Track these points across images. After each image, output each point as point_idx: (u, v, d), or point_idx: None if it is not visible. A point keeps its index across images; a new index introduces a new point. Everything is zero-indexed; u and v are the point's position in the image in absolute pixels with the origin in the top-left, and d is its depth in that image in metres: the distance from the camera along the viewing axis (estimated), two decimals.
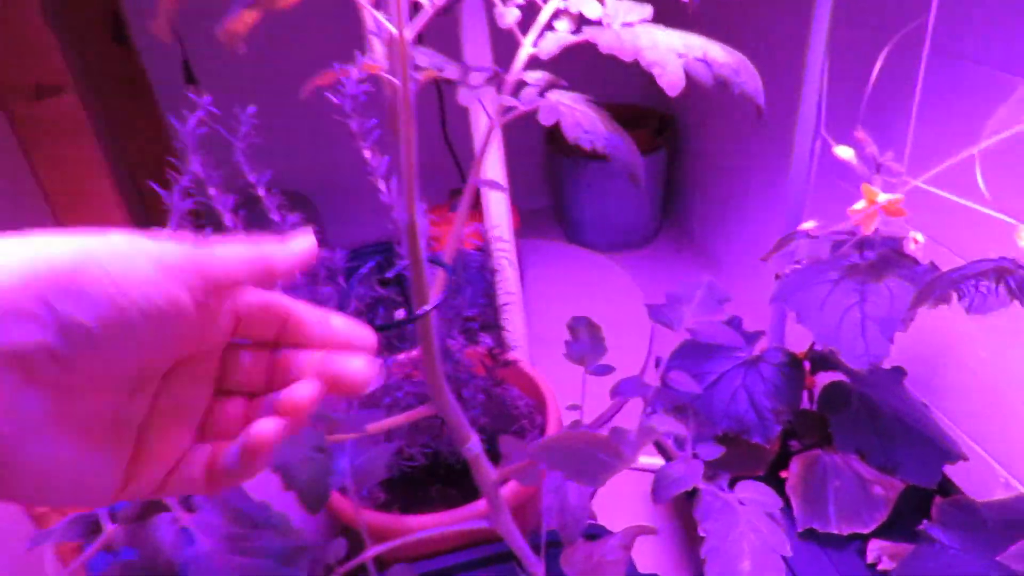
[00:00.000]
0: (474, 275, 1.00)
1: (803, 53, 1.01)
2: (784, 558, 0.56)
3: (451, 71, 0.51)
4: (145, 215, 1.47)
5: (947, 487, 0.96)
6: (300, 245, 0.31)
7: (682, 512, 1.33)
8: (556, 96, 0.53)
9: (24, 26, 0.94)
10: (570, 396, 0.78)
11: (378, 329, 0.48)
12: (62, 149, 1.03)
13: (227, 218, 0.84)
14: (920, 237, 0.78)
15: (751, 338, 1.01)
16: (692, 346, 1.10)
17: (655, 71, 0.49)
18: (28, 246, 0.23)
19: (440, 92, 1.87)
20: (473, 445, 0.67)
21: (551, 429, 1.10)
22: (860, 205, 0.75)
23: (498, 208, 1.30)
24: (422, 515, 0.98)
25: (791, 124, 1.11)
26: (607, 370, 0.66)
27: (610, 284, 1.94)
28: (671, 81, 0.48)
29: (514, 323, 1.49)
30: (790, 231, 1.10)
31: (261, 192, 0.89)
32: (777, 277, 0.92)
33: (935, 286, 0.67)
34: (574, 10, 0.54)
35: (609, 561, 0.65)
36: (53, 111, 0.99)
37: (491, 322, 1.06)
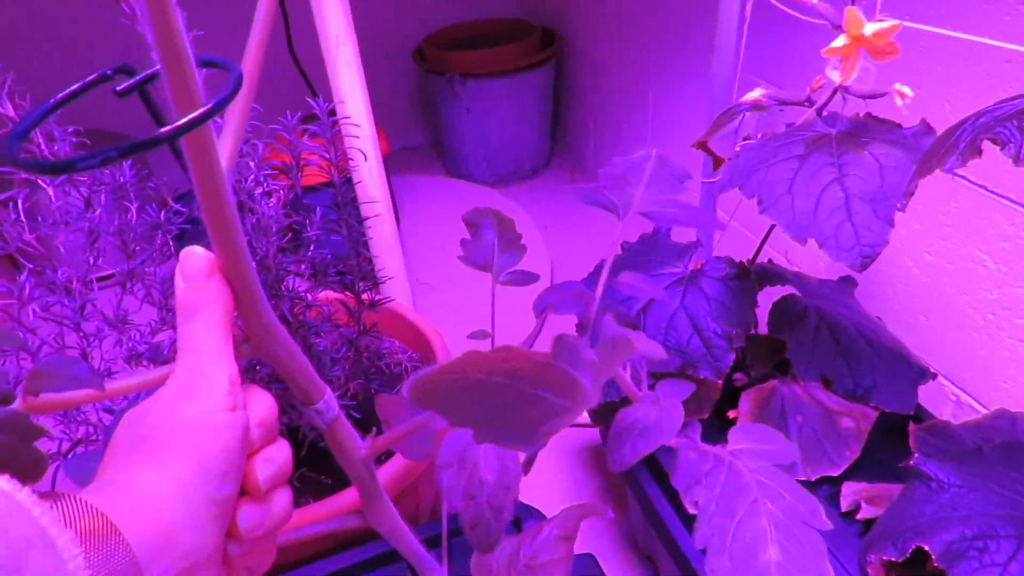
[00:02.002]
0: (329, 227, 0.74)
1: None
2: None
3: None
4: None
5: (919, 413, 0.81)
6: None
7: (598, 466, 1.14)
8: None
9: None
10: (464, 350, 0.54)
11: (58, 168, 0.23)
12: None
13: None
14: (907, 90, 0.59)
15: (683, 251, 0.81)
16: (619, 263, 0.89)
17: None
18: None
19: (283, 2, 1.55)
20: (325, 405, 0.42)
21: None
22: (840, 41, 0.55)
23: (356, 111, 1.04)
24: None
25: (699, 14, 0.91)
26: (528, 279, 0.44)
27: None
28: None
29: (390, 264, 1.23)
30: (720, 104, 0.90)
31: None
32: (716, 162, 0.72)
33: (955, 138, 0.48)
34: None
35: (544, 563, 0.43)
36: None
37: (351, 265, 0.80)
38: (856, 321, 0.80)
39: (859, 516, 0.72)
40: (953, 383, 0.99)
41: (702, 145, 0.72)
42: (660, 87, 1.50)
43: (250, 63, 0.33)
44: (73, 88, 0.29)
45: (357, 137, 0.99)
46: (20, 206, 0.61)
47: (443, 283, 1.49)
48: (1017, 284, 0.85)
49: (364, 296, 0.76)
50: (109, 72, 0.30)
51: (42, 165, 0.23)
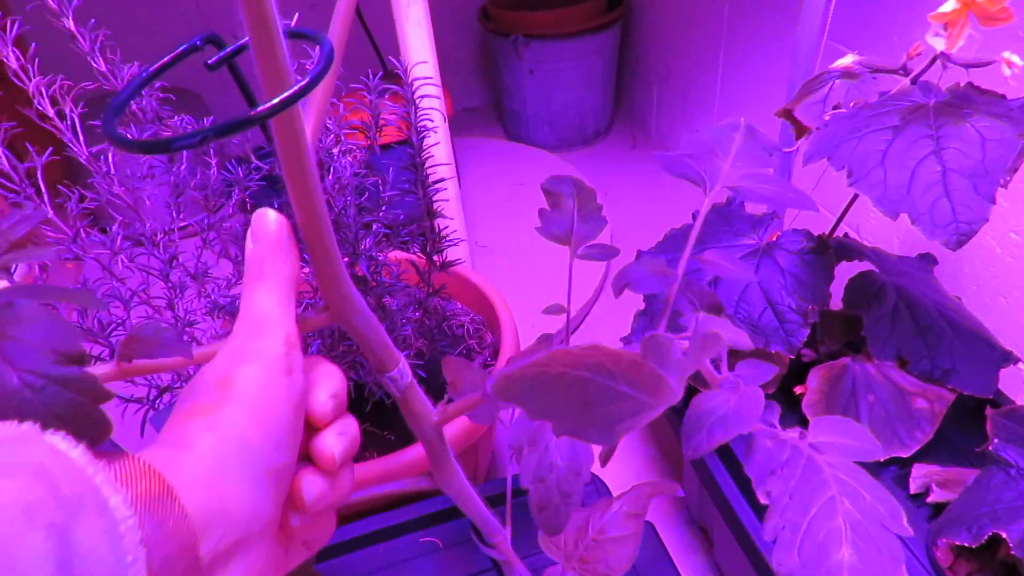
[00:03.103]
0: (398, 171, 0.74)
1: None
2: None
3: None
4: None
5: (997, 397, 0.78)
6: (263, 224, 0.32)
7: (652, 435, 1.13)
8: None
9: None
10: (523, 316, 0.54)
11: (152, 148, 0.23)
12: None
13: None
14: (1017, 59, 0.56)
15: (758, 222, 0.79)
16: (678, 237, 0.87)
17: None
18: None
19: None
20: (400, 373, 0.43)
21: (506, 350, 0.88)
22: (949, 6, 0.52)
23: (425, 71, 1.03)
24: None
25: None
26: (609, 253, 0.43)
27: None
28: None
29: (454, 227, 1.24)
30: (802, 73, 0.87)
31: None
32: (801, 131, 0.70)
33: None
34: None
35: (613, 539, 0.43)
36: None
37: (424, 227, 0.81)
38: (936, 300, 0.77)
39: (929, 499, 0.71)
40: None
41: (787, 113, 0.70)
42: (731, 52, 1.45)
43: (337, 32, 0.33)
44: (165, 60, 0.29)
45: (434, 97, 0.99)
46: (111, 159, 0.63)
47: (501, 247, 1.49)
48: None
49: (435, 258, 0.76)
50: (199, 43, 0.30)
51: (141, 144, 0.24)
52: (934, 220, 0.54)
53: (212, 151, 0.68)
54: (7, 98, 0.60)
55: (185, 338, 0.67)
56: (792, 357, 0.71)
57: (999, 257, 0.95)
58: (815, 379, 0.78)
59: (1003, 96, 0.59)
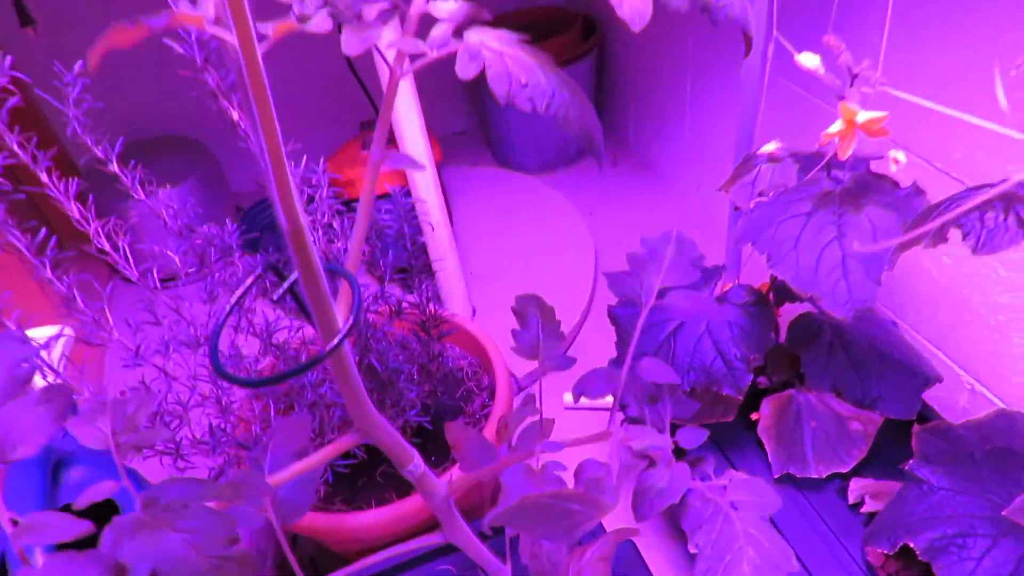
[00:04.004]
0: (392, 236, 0.86)
1: None
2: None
3: (320, 20, 0.35)
4: None
5: (923, 413, 0.91)
6: None
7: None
8: (477, 36, 0.39)
9: None
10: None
11: (253, 383, 0.35)
12: None
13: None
14: (902, 156, 0.68)
15: (710, 275, 0.91)
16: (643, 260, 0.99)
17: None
18: None
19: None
20: (415, 467, 0.56)
21: (500, 390, 1.00)
22: (836, 127, 0.64)
23: (416, 146, 1.15)
24: (366, 512, 0.88)
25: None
26: (567, 364, 0.55)
27: (546, 208, 1.81)
28: (635, 9, 0.34)
29: (449, 268, 1.36)
30: (743, 143, 0.99)
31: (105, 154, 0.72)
32: (736, 209, 0.82)
33: (928, 222, 0.58)
34: None
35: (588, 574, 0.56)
36: None
37: (420, 278, 0.93)
38: (869, 334, 0.90)
39: (863, 510, 0.84)
40: (967, 373, 1.08)
41: (726, 189, 0.82)
42: (697, 75, 1.56)
43: (358, 238, 0.46)
44: (239, 292, 0.41)
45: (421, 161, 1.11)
46: (155, 274, 0.75)
47: (495, 274, 1.61)
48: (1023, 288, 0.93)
49: (430, 323, 0.89)
50: (261, 271, 0.42)
51: (248, 381, 0.36)
52: (835, 299, 0.66)
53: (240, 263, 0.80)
54: (68, 235, 0.72)
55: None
56: (741, 398, 0.83)
57: (935, 278, 1.07)
58: (767, 408, 0.90)
59: (896, 183, 0.71)
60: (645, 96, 1.82)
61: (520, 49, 0.39)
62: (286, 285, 0.42)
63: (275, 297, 0.41)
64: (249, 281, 0.42)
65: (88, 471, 0.82)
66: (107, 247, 0.73)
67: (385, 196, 1.34)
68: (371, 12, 0.40)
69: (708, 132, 1.61)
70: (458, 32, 0.42)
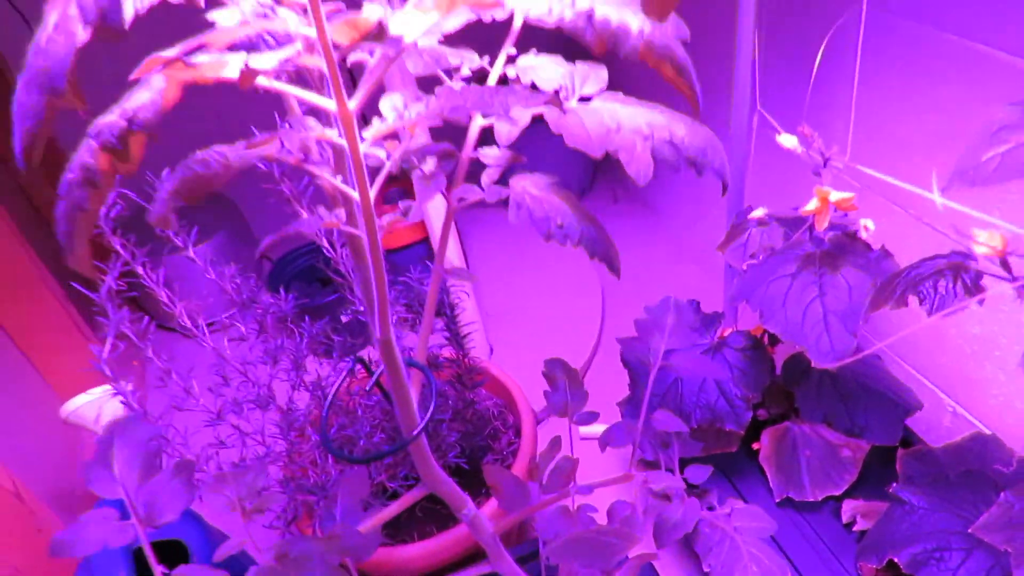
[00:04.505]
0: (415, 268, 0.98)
1: (734, 27, 0.99)
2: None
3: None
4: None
5: (908, 437, 1.01)
6: None
7: None
8: (521, 184, 0.50)
9: None
10: (536, 376, 0.74)
11: (362, 461, 0.46)
12: None
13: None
14: (871, 224, 0.79)
15: (710, 321, 1.02)
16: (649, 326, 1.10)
17: (621, 157, 0.46)
18: None
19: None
20: (468, 511, 0.67)
21: (526, 429, 1.11)
22: (812, 205, 0.76)
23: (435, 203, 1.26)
24: (413, 544, 0.98)
25: (725, 87, 1.10)
26: (592, 418, 0.66)
27: (553, 245, 1.92)
28: (640, 169, 0.45)
29: (467, 312, 1.47)
30: (734, 202, 1.10)
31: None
32: (730, 267, 0.93)
33: (892, 288, 0.69)
34: (525, 81, 0.51)
35: None
36: None
37: (455, 331, 1.04)
38: (855, 369, 1.01)
39: (856, 528, 0.94)
40: (949, 397, 1.18)
41: (721, 250, 0.93)
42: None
43: (429, 315, 0.57)
44: (338, 382, 0.52)
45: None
46: (203, 324, 0.86)
47: (511, 313, 1.72)
48: (993, 323, 1.04)
49: (468, 381, 1.00)
50: (352, 364, 0.53)
51: (354, 459, 0.47)
52: (819, 350, 0.77)
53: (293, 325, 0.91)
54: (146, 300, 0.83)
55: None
56: (742, 432, 0.94)
57: (915, 312, 1.18)
58: (766, 438, 1.01)
59: (869, 246, 0.82)
60: None
61: (553, 193, 0.51)
62: (373, 380, 0.53)
63: (367, 388, 0.52)
64: (343, 376, 0.53)
65: None
66: (172, 308, 0.84)
67: (406, 247, 1.46)
68: (431, 163, 0.52)
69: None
70: (503, 177, 0.54)
